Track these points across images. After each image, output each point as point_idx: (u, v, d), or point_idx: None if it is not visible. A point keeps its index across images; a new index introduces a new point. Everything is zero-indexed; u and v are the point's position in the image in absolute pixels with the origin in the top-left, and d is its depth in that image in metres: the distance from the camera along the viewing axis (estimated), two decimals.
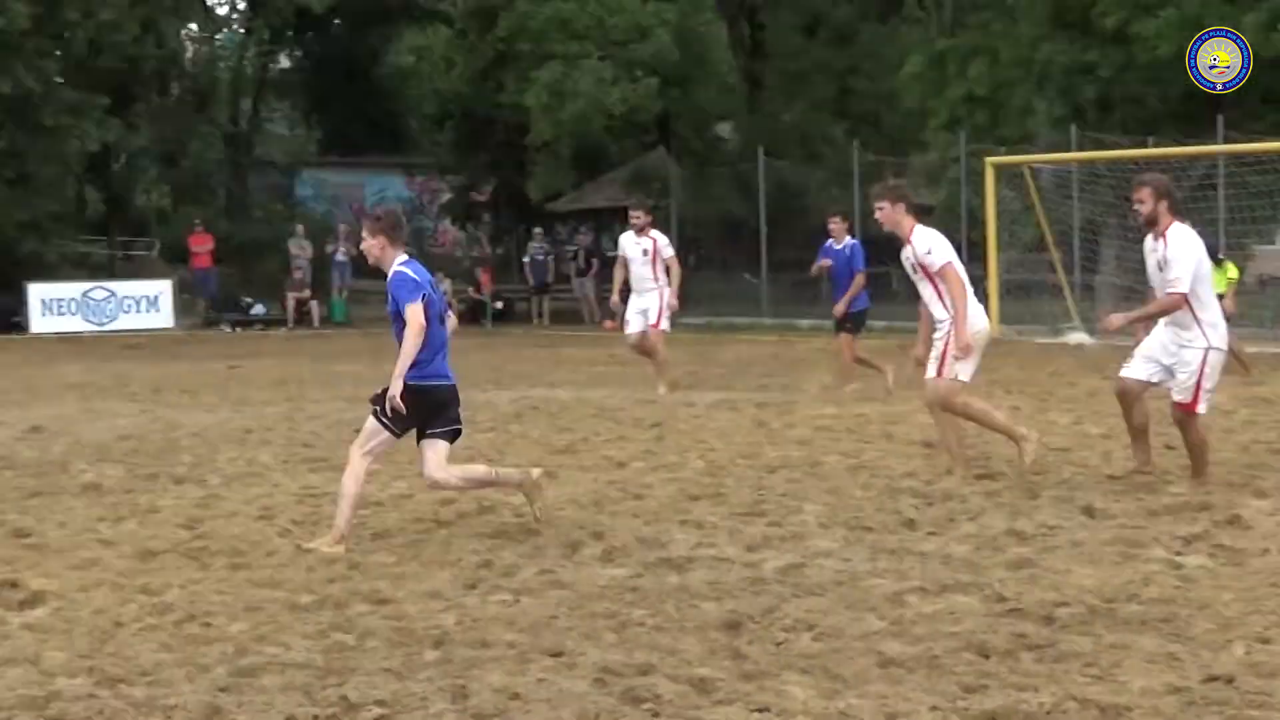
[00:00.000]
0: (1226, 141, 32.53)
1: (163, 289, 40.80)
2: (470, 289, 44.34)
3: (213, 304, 42.71)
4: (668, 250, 20.68)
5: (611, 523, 11.06)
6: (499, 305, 44.13)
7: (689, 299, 42.05)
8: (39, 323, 38.01)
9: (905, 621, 8.20)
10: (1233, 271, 22.24)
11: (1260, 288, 36.28)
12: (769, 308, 39.68)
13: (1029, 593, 8.76)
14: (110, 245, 52.08)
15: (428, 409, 10.59)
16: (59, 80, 42.14)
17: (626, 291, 20.75)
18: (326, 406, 19.36)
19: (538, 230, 47.16)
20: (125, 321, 38.81)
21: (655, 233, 20.87)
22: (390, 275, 10.48)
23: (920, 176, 45.06)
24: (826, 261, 20.81)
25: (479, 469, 11.11)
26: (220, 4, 60.04)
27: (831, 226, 20.75)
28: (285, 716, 6.64)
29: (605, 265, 46.28)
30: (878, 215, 13.28)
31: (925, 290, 12.93)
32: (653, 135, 50.67)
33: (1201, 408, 11.92)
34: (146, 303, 39.84)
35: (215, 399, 20.70)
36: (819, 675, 7.21)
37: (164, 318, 39.89)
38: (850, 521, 11.06)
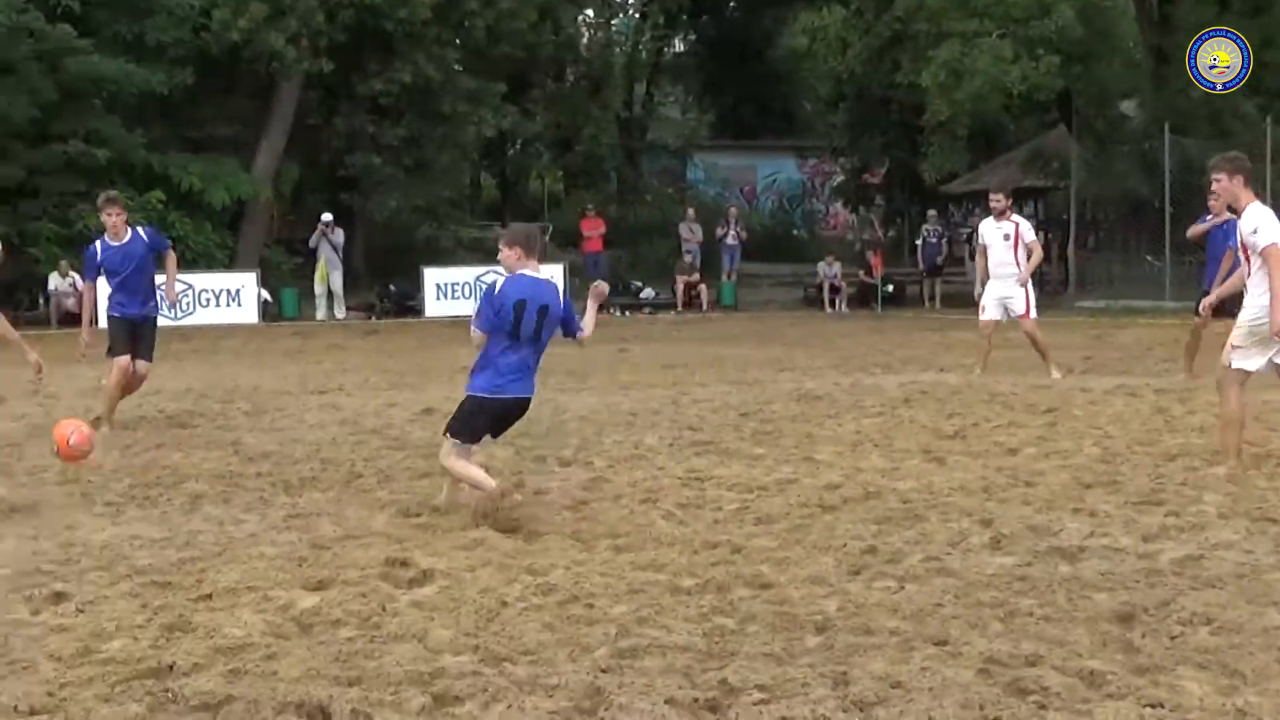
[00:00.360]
0: None
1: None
2: (861, 272, 44.19)
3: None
4: (1029, 235, 20.38)
5: (1001, 510, 10.90)
6: (889, 288, 43.90)
7: (1088, 282, 41.49)
8: (433, 306, 38.93)
9: None
10: None
11: None
12: (1171, 290, 38.66)
13: None
14: (504, 229, 53.17)
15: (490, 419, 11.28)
16: (458, 68, 43.11)
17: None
18: (713, 390, 19.46)
19: (931, 212, 46.81)
20: None
21: (1017, 217, 20.60)
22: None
23: None
24: (1201, 226, 20.26)
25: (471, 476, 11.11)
26: None
27: (1211, 201, 20.14)
28: (665, 699, 6.67)
29: None
30: (1215, 187, 13.01)
31: (1245, 268, 12.51)
32: (1052, 114, 49.80)
33: None
34: None
35: (603, 382, 20.96)
36: (1216, 671, 7.02)
37: None
38: (1253, 512, 10.72)
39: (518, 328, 10.98)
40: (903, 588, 8.69)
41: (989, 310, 20.38)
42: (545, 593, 8.65)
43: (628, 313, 41.11)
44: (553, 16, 47.01)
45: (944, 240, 45.14)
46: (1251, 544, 9.71)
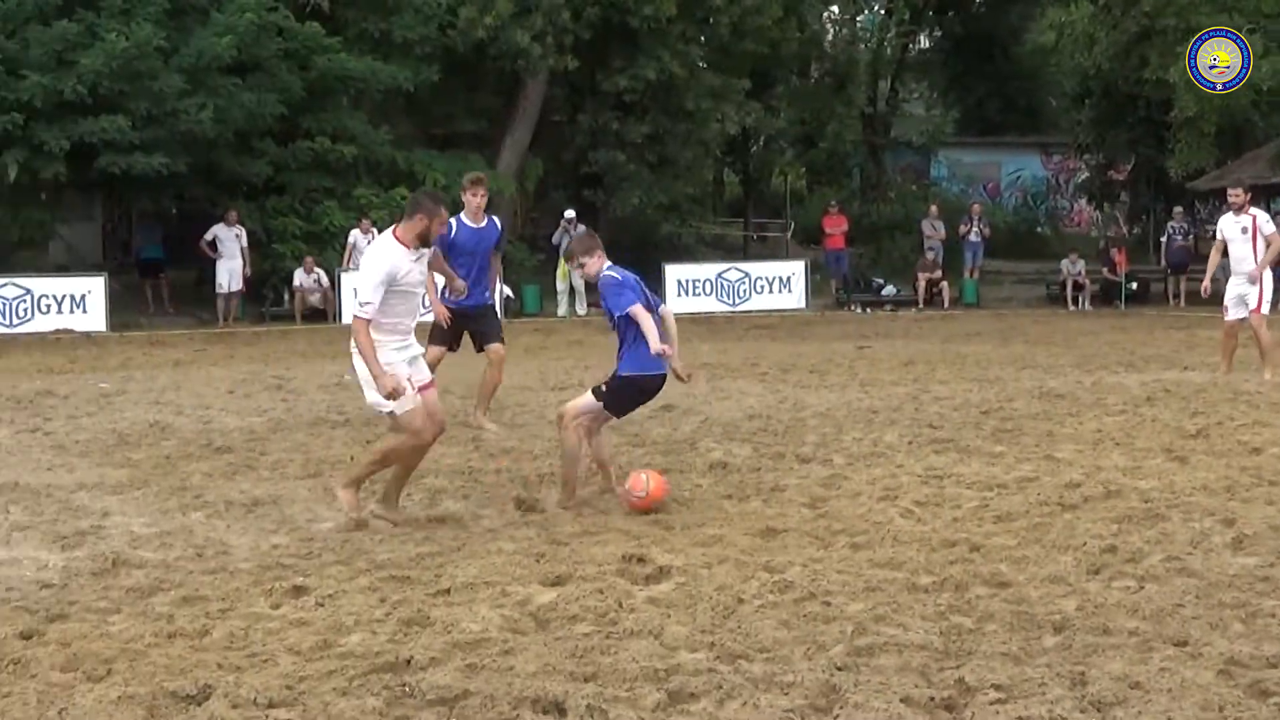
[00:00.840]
0: None
1: (795, 270, 41.35)
2: (1104, 269, 43.59)
3: (844, 285, 43.18)
4: (1268, 227, 20.00)
5: (1244, 510, 10.73)
6: (1133, 286, 43.26)
7: None
8: (674, 303, 38.56)
9: None
10: None
11: None
12: None
13: None
14: (745, 227, 53.26)
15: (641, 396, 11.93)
16: (702, 65, 43.13)
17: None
18: (954, 388, 19.33)
19: (1177, 209, 46.07)
20: (757, 302, 39.60)
21: (1255, 210, 20.25)
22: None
23: None
24: None
25: (576, 453, 11.59)
26: None
27: None
28: (901, 697, 6.67)
29: None
30: None
31: None
32: None
33: None
34: (779, 283, 40.48)
35: (843, 379, 20.89)
36: None
37: (795, 298, 40.45)
38: None
39: (648, 301, 11.53)
40: (1142, 588, 8.60)
41: (1231, 310, 20.09)
42: (782, 590, 8.67)
43: (869, 310, 40.97)
44: (797, 13, 46.74)
45: (1190, 237, 44.40)
46: None
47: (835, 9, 56.35)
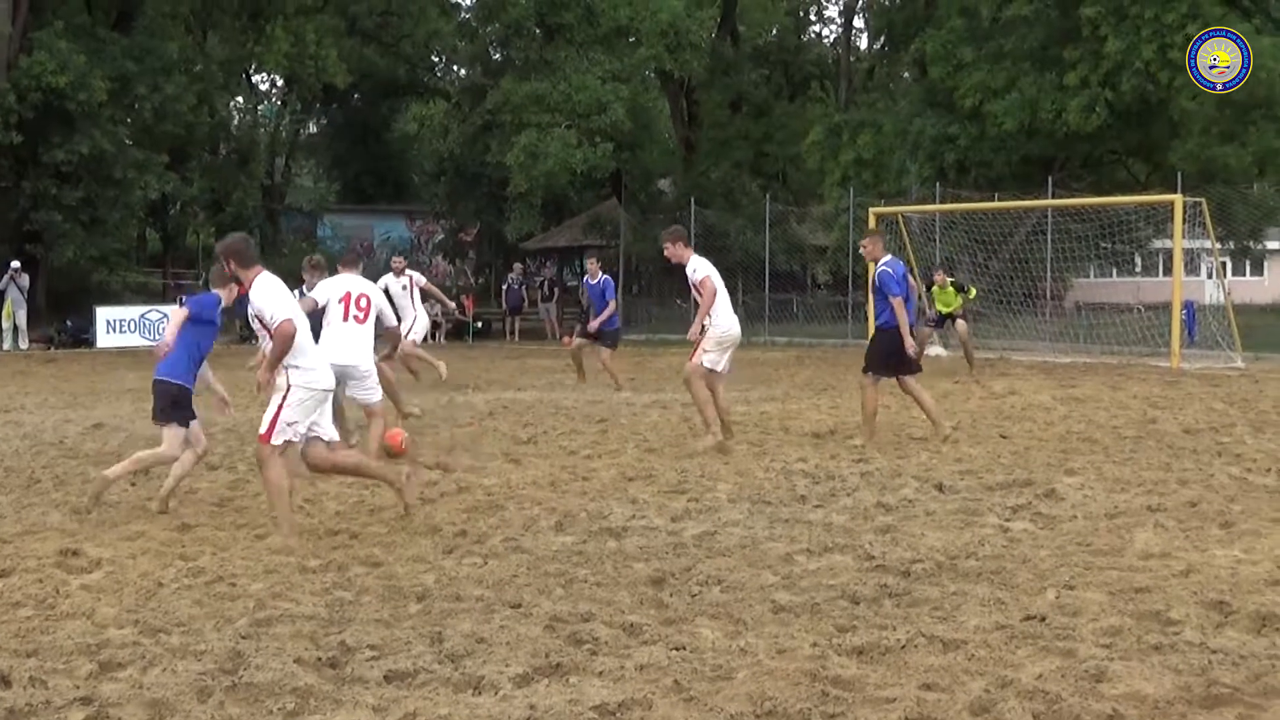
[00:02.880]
0: (1054, 197, 34.12)
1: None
2: (456, 311, 44.14)
3: (246, 323, 42.34)
4: (423, 281, 20.57)
5: (563, 500, 11.05)
6: (479, 325, 44.03)
7: (632, 320, 42.32)
8: (104, 339, 37.61)
9: (794, 576, 8.30)
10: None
11: (1077, 311, 39.06)
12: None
13: (891, 552, 8.91)
14: (165, 275, 51.86)
15: None
16: (128, 142, 41.83)
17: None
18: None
19: (518, 265, 47.24)
20: None
21: (412, 272, 20.59)
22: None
23: (818, 222, 46.81)
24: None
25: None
26: (262, 81, 60.19)
27: (589, 265, 21.47)
28: (295, 658, 6.58)
29: (565, 293, 46.53)
30: (666, 252, 14.76)
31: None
32: (607, 188, 50.81)
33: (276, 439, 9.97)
34: None
35: (245, 401, 20.47)
36: (725, 620, 7.28)
37: None
38: (754, 496, 11.18)
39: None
40: (486, 563, 8.73)
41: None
42: (195, 575, 8.46)
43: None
44: (209, 101, 46.13)
45: (523, 287, 45.48)
46: (752, 522, 10.09)
47: (240, 100, 55.69)
